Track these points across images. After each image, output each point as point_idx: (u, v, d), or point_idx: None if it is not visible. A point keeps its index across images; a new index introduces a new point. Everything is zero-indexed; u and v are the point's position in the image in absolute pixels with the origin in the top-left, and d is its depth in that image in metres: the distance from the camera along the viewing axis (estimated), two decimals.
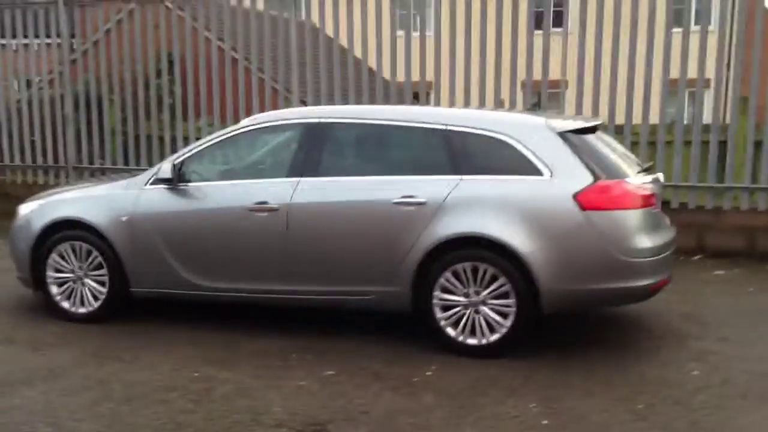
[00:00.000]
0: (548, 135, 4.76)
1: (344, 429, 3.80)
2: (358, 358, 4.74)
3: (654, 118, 7.77)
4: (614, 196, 4.58)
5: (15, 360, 4.79)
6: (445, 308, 4.78)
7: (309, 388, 4.30)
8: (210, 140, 5.36)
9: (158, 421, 3.89)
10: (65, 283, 5.52)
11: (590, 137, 4.92)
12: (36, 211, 5.62)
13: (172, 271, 5.26)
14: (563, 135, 4.77)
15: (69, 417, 3.94)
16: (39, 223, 5.52)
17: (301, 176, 5.04)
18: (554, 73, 7.88)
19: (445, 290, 4.75)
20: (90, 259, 5.42)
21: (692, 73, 7.57)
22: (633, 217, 4.60)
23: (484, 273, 4.67)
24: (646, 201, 4.70)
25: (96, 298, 5.47)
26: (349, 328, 5.26)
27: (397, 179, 4.88)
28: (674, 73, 7.55)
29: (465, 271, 4.71)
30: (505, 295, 4.65)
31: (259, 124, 5.30)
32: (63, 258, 5.49)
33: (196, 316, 5.55)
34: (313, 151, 5.08)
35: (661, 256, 4.71)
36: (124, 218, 5.33)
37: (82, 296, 5.50)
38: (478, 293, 4.70)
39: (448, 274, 4.73)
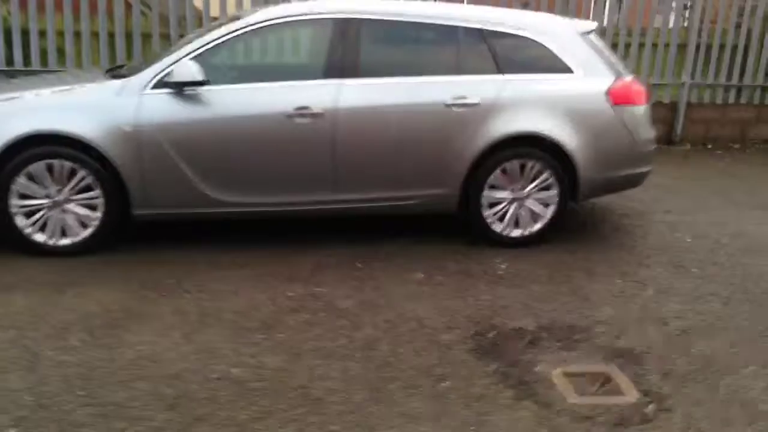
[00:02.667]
0: (574, 36, 5.11)
1: (511, 320, 3.92)
2: (430, 260, 4.75)
3: None
4: (634, 92, 5.13)
5: (83, 306, 3.92)
6: (491, 205, 4.98)
7: (426, 291, 4.27)
8: (223, 36, 4.69)
9: (344, 341, 3.62)
10: (37, 211, 4.51)
11: (595, 38, 5.36)
12: None
13: (189, 188, 4.62)
14: (585, 36, 5.14)
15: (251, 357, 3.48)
16: None
17: (342, 77, 4.72)
18: None
19: (493, 188, 4.95)
20: (75, 180, 4.49)
21: None
22: (644, 111, 5.22)
23: (531, 168, 4.94)
24: (648, 97, 5.34)
25: (84, 226, 4.57)
26: (381, 235, 5.16)
27: (446, 80, 4.85)
28: None
29: (513, 169, 4.93)
30: (547, 188, 5.00)
31: (279, 18, 4.76)
32: (34, 181, 4.46)
33: (202, 238, 4.97)
34: (350, 50, 4.77)
35: (655, 146, 5.43)
36: (127, 128, 4.48)
37: (62, 226, 4.55)
38: (522, 188, 4.97)
39: (497, 172, 4.92)
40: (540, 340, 3.74)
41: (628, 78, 5.18)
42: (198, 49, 4.63)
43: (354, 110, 4.70)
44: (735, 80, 9.23)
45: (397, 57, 4.95)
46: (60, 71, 7.22)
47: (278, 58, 4.98)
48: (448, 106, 4.79)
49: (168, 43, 7.72)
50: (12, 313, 3.77)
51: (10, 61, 7.56)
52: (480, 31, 4.96)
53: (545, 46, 5.03)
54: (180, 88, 4.52)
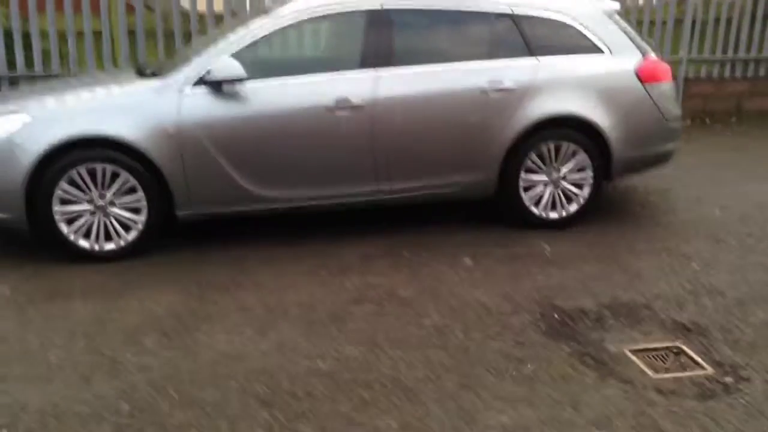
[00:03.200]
0: (600, 16, 5.16)
1: (572, 301, 3.98)
2: (474, 246, 4.79)
3: None
4: (661, 70, 5.21)
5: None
6: (528, 188, 5.03)
7: (480, 277, 4.31)
8: (259, 30, 4.65)
9: (415, 329, 3.64)
10: (79, 217, 4.46)
11: (617, 17, 5.41)
12: (22, 132, 4.35)
13: (233, 186, 4.60)
14: (610, 15, 5.19)
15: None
16: (35, 146, 4.31)
17: (377, 67, 4.73)
18: None
19: (529, 171, 4.99)
20: (118, 184, 4.44)
21: None
22: (671, 87, 5.30)
23: (566, 150, 4.99)
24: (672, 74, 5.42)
25: (128, 229, 4.53)
26: (416, 224, 5.17)
27: (480, 65, 4.88)
28: None
29: (549, 151, 4.97)
30: (582, 169, 5.05)
31: (313, 10, 4.74)
32: (76, 186, 4.41)
33: (241, 235, 4.95)
34: (383, 40, 4.78)
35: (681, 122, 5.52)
36: (169, 128, 4.44)
37: (107, 230, 4.51)
38: (558, 170, 5.02)
39: (533, 156, 4.96)
40: (604, 319, 3.80)
41: (653, 56, 5.24)
42: (235, 44, 4.59)
43: (392, 100, 4.70)
44: (730, 54, 9.36)
45: (430, 45, 4.95)
46: (78, 74, 7.11)
47: (313, 51, 4.95)
48: (484, 91, 4.82)
49: (172, 42, 7.63)
50: (78, 321, 3.74)
51: (12, 64, 7.42)
52: (510, 15, 4.98)
53: (574, 28, 5.08)
54: (220, 86, 4.48)
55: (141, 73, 5.03)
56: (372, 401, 3.01)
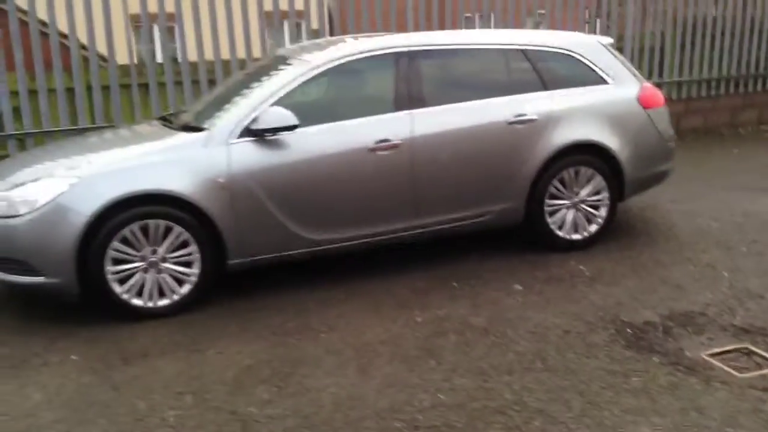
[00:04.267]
0: (601, 49, 5.54)
1: (634, 315, 4.23)
2: (514, 271, 4.98)
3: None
4: (657, 96, 5.63)
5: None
6: (552, 213, 5.30)
7: (536, 300, 4.51)
8: (296, 78, 4.74)
9: (512, 355, 3.79)
10: (132, 275, 4.38)
11: (613, 50, 5.80)
12: (70, 193, 4.25)
13: (282, 231, 4.64)
14: (608, 48, 5.58)
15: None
16: (86, 207, 4.22)
17: (411, 108, 4.91)
18: (170, 5, 7.51)
19: (552, 197, 5.27)
20: (171, 238, 4.41)
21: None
22: (666, 111, 5.71)
23: (584, 174, 5.30)
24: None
25: (181, 283, 4.49)
26: (445, 256, 5.33)
27: (503, 100, 5.14)
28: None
29: (569, 176, 5.27)
30: (598, 192, 5.37)
31: (345, 57, 4.87)
32: (128, 244, 4.34)
33: (283, 280, 4.97)
34: (413, 81, 4.96)
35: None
36: (220, 180, 4.45)
37: (159, 286, 4.45)
38: (577, 194, 5.32)
39: (556, 182, 5.24)
40: (671, 329, 4.06)
41: (647, 83, 5.65)
42: (275, 93, 4.66)
43: (427, 138, 4.88)
44: (666, 77, 10.08)
45: (454, 83, 5.18)
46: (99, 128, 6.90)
47: (348, 95, 5.05)
48: (510, 123, 5.07)
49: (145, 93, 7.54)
50: (169, 378, 3.68)
51: None
52: (522, 51, 5.27)
53: (580, 61, 5.42)
54: (264, 135, 4.53)
55: (169, 123, 5.01)
56: (515, 426, 3.12)
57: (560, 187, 5.25)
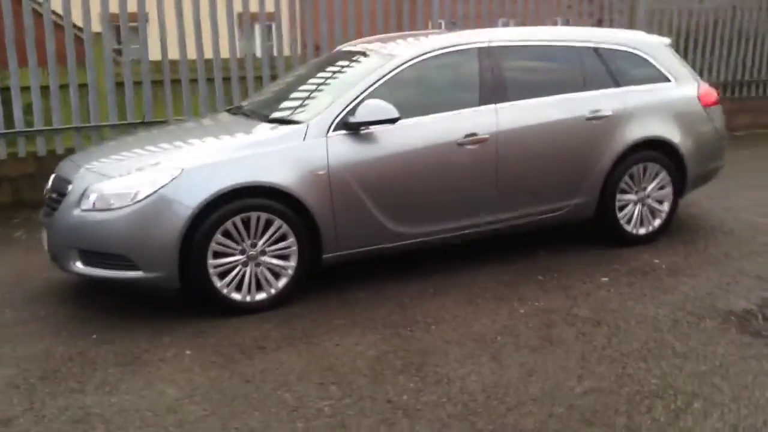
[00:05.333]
0: (663, 48, 5.69)
1: (729, 303, 4.35)
2: (594, 265, 5.06)
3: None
4: (714, 94, 5.79)
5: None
6: (621, 208, 5.40)
7: (629, 292, 4.58)
8: (387, 73, 4.73)
9: (637, 344, 3.86)
10: (232, 269, 4.32)
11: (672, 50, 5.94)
12: (173, 186, 4.17)
13: (374, 225, 4.63)
14: (669, 47, 5.73)
15: None
16: (191, 200, 4.15)
17: (494, 102, 4.95)
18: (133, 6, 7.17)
19: (623, 191, 5.37)
20: (271, 231, 4.36)
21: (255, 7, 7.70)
22: (721, 109, 5.88)
23: (651, 170, 5.42)
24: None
25: (278, 277, 4.44)
26: (513, 251, 5.38)
27: (580, 95, 5.22)
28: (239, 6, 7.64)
29: (638, 172, 5.38)
30: (663, 187, 5.50)
31: (433, 51, 4.90)
32: (230, 237, 4.28)
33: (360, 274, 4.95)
34: (496, 76, 5.00)
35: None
36: (320, 172, 4.42)
37: (258, 280, 4.39)
38: (644, 189, 5.44)
39: (626, 177, 5.35)
40: None
41: (704, 83, 5.82)
42: (368, 87, 4.65)
43: (511, 132, 4.93)
44: None
45: (532, 78, 5.23)
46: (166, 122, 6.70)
47: (435, 89, 5.04)
48: (588, 119, 5.15)
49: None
50: (302, 370, 3.63)
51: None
52: (595, 49, 5.37)
53: (646, 59, 5.55)
54: (359, 128, 4.51)
55: (237, 114, 5.02)
56: (677, 408, 3.18)
57: (629, 182, 5.35)
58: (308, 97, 4.99)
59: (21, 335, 4.18)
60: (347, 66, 5.23)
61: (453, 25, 8.75)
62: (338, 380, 3.53)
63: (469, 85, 4.97)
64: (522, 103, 5.01)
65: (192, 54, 7.47)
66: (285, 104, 5.04)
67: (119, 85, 7.20)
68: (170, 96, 7.40)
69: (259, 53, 9.10)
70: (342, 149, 4.49)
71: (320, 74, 5.35)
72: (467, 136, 4.78)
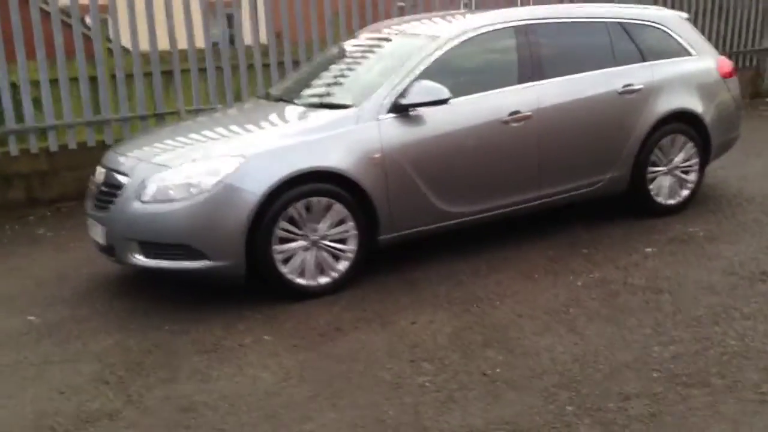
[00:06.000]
0: (684, 23, 5.84)
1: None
2: (629, 238, 5.18)
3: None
4: (731, 66, 5.97)
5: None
6: (652, 179, 5.55)
7: (676, 260, 4.73)
8: (428, 55, 4.77)
9: (703, 310, 3.99)
10: (293, 255, 4.35)
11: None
12: (239, 173, 4.18)
13: (426, 205, 4.69)
14: (689, 21, 5.89)
15: None
16: (257, 186, 4.16)
17: (533, 80, 5.04)
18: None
19: (653, 164, 5.52)
20: (332, 216, 4.40)
21: None
22: (737, 80, 6.07)
23: (679, 141, 5.58)
24: None
25: (338, 260, 4.48)
26: (553, 224, 5.49)
27: (612, 71, 5.34)
28: None
29: (667, 144, 5.54)
30: (689, 158, 5.66)
31: (473, 31, 4.96)
32: (293, 223, 4.31)
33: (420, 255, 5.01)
34: (533, 54, 5.09)
35: None
36: (376, 155, 4.47)
37: (320, 264, 4.43)
38: (671, 161, 5.59)
39: (657, 150, 5.50)
40: None
41: (720, 55, 5.99)
42: (415, 68, 4.69)
43: (551, 109, 5.03)
44: None
45: (566, 55, 5.31)
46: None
47: (477, 68, 5.09)
48: (620, 93, 5.28)
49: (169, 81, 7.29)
50: (389, 349, 3.70)
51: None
52: (622, 24, 5.49)
53: (668, 33, 5.69)
54: (409, 109, 4.56)
55: (277, 100, 5.13)
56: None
57: (659, 154, 5.49)
58: (351, 82, 5.02)
59: (86, 331, 4.16)
60: (382, 48, 5.27)
61: (466, 7, 8.76)
62: (427, 357, 3.60)
63: (509, 63, 5.05)
64: (559, 80, 5.11)
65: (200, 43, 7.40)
66: (326, 89, 5.07)
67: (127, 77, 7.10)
68: (180, 86, 7.31)
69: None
70: (393, 131, 4.54)
71: (354, 58, 5.37)
72: (511, 114, 4.86)
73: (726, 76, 5.84)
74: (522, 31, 5.08)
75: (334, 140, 4.41)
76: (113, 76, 7.12)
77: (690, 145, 5.60)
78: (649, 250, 4.94)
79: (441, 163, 4.69)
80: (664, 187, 5.57)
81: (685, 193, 5.68)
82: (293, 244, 4.30)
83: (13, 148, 6.82)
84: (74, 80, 7.01)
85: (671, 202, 5.63)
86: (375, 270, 4.70)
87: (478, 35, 4.98)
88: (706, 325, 3.78)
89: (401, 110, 4.57)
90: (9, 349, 3.96)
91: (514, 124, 4.87)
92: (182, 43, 7.33)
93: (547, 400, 3.15)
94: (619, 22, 5.50)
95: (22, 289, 4.90)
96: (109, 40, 7.49)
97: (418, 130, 4.61)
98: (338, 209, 4.38)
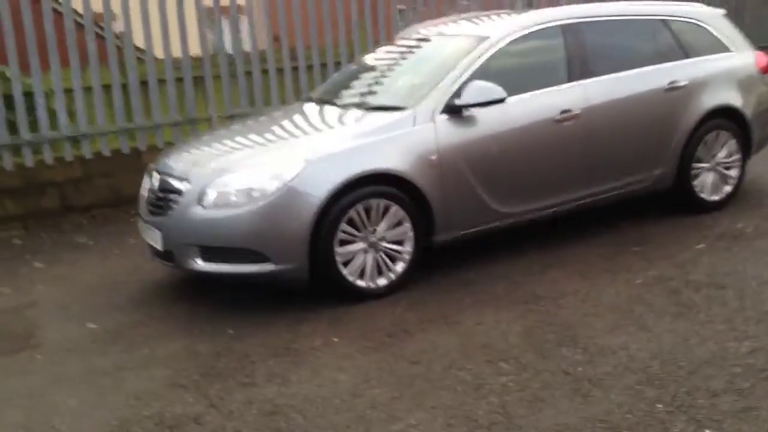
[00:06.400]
0: (722, 20, 5.86)
1: None
2: (677, 235, 5.19)
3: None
4: (766, 62, 5.99)
5: None
6: (695, 177, 5.57)
7: (731, 256, 4.75)
8: (478, 57, 4.79)
9: None
10: (354, 257, 4.36)
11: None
12: (301, 177, 4.19)
13: (480, 205, 4.71)
14: (726, 17, 5.91)
15: None
16: (321, 189, 4.17)
17: (581, 78, 5.06)
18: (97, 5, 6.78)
19: (698, 160, 5.53)
20: (389, 217, 4.40)
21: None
22: None
23: (721, 138, 5.60)
24: None
25: (395, 261, 4.49)
26: (597, 223, 5.50)
27: (657, 68, 5.37)
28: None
29: (711, 140, 5.56)
30: (731, 154, 5.68)
31: (520, 30, 4.98)
32: (353, 225, 4.31)
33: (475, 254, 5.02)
34: (580, 52, 5.11)
35: None
36: (433, 157, 4.48)
37: (378, 265, 4.44)
38: (714, 156, 5.61)
39: (701, 146, 5.51)
40: None
41: (758, 51, 6.02)
42: (467, 69, 4.71)
43: (599, 107, 5.05)
44: None
45: (612, 53, 5.33)
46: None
47: (526, 67, 5.10)
48: (666, 91, 5.30)
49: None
50: (461, 350, 3.71)
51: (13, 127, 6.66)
52: (664, 22, 5.52)
53: (708, 30, 5.71)
54: (462, 110, 4.57)
55: (323, 103, 5.16)
56: None
57: (703, 150, 5.51)
58: (399, 84, 5.04)
59: (151, 337, 4.16)
60: (425, 50, 5.29)
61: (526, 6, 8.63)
62: (503, 357, 3.60)
63: (557, 62, 5.07)
64: (606, 78, 5.13)
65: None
66: (374, 92, 5.09)
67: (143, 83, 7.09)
68: (212, 91, 7.32)
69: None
70: (448, 132, 4.56)
71: (400, 60, 5.38)
72: (563, 112, 4.88)
73: (764, 71, 5.86)
74: (568, 30, 5.10)
75: (392, 142, 4.42)
76: (143, 83, 7.11)
77: (732, 141, 5.63)
78: (700, 246, 4.95)
79: (495, 163, 4.70)
80: (707, 184, 5.59)
81: (728, 189, 5.70)
82: (353, 246, 4.31)
83: (48, 156, 6.80)
84: (105, 88, 7.00)
85: (715, 198, 5.64)
86: (428, 271, 4.70)
87: (526, 34, 5.00)
88: (748, 324, 3.78)
89: (455, 111, 4.58)
90: (78, 357, 3.96)
91: (566, 123, 4.89)
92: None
93: (635, 398, 3.15)
94: (662, 20, 5.52)
95: (74, 296, 4.91)
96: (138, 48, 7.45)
97: (471, 130, 4.62)
98: (395, 211, 4.39)
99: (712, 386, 3.20)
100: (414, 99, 4.65)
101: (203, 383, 3.56)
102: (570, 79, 5.02)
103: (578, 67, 5.05)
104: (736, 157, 5.68)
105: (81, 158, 6.96)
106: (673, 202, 5.62)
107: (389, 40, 6.00)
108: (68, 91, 6.79)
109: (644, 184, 5.35)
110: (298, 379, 3.53)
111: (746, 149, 5.74)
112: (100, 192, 7.02)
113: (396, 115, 4.57)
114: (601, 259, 4.85)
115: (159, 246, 4.48)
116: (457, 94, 4.58)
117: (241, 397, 3.40)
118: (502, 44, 4.86)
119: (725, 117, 5.57)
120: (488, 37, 4.89)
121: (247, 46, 7.78)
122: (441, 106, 4.57)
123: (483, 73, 4.72)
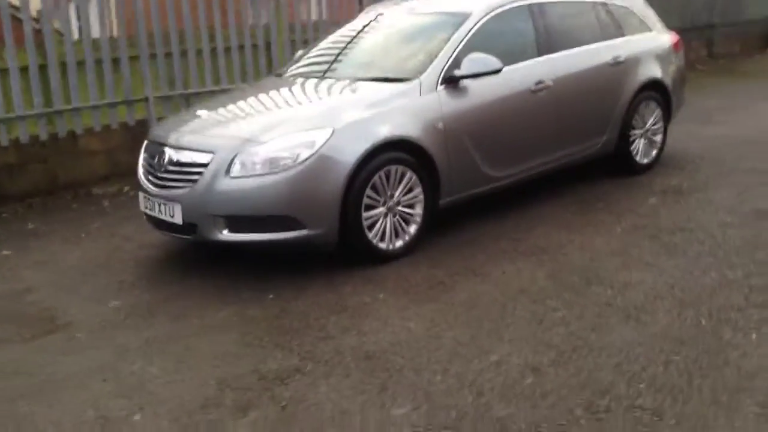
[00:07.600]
0: (644, 4, 6.66)
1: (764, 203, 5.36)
2: (628, 192, 5.86)
3: None
4: (678, 40, 6.86)
5: None
6: (632, 142, 6.31)
7: (686, 207, 5.43)
8: (468, 30, 5.18)
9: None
10: (377, 221, 4.64)
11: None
12: (333, 142, 4.39)
13: (476, 171, 5.12)
14: (645, 2, 6.72)
15: None
16: (350, 155, 4.41)
17: (548, 53, 5.60)
18: None
19: (633, 127, 6.28)
20: (405, 183, 4.72)
21: None
22: (683, 52, 6.97)
23: (651, 107, 6.38)
24: None
25: (408, 224, 4.82)
26: (549, 186, 6.06)
27: (603, 45, 6.02)
28: None
29: (643, 109, 6.32)
30: (657, 121, 6.49)
31: (498, 7, 5.42)
32: (376, 191, 4.59)
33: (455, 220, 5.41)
34: (546, 29, 5.65)
35: None
36: (439, 125, 4.84)
37: (395, 228, 4.75)
38: (645, 124, 6.39)
39: (636, 115, 6.26)
40: None
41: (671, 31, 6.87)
42: (460, 43, 5.09)
43: (565, 78, 5.60)
44: None
45: (567, 31, 5.89)
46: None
47: (502, 42, 5.48)
48: (611, 65, 5.97)
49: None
50: (503, 297, 4.06)
51: None
52: (604, 5, 6.19)
53: (634, 13, 6.46)
54: (459, 81, 4.95)
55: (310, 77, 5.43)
56: None
57: (638, 118, 6.25)
58: (390, 57, 5.33)
59: (190, 308, 4.21)
60: (408, 26, 5.62)
61: None
62: (545, 297, 4.02)
63: (528, 37, 5.56)
64: (567, 53, 5.70)
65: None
66: (371, 64, 5.34)
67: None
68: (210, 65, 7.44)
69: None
70: (448, 102, 4.91)
71: (381, 36, 5.68)
72: (537, 83, 5.37)
73: (677, 50, 6.70)
74: (535, 9, 5.61)
75: (403, 111, 4.71)
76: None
77: (658, 109, 6.40)
78: (652, 200, 5.63)
79: (486, 131, 5.11)
80: (640, 148, 6.33)
81: (654, 152, 6.48)
82: (375, 211, 4.56)
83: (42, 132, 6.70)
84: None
85: (646, 161, 6.40)
86: (427, 235, 5.01)
87: (501, 12, 5.44)
88: (747, 252, 4.46)
89: (452, 81, 4.93)
90: (122, 332, 3.94)
91: (540, 93, 5.39)
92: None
93: (680, 317, 3.67)
94: (603, 2, 6.18)
95: (71, 279, 4.82)
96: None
97: (467, 100, 5.00)
98: (409, 176, 4.68)
99: (735, 303, 3.78)
100: (415, 71, 4.95)
101: (281, 341, 3.69)
102: (540, 53, 5.52)
103: (545, 43, 5.57)
104: (661, 124, 6.46)
105: (16, 142, 6.63)
106: (614, 165, 6.29)
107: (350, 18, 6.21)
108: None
109: (596, 149, 5.99)
110: (372, 329, 3.75)
111: (667, 117, 6.53)
112: (35, 178, 6.74)
113: (403, 85, 4.85)
114: (576, 215, 5.39)
115: (176, 219, 4.49)
116: (456, 65, 4.92)
117: (327, 348, 3.58)
118: (483, 20, 5.27)
119: (653, 89, 6.32)
120: (471, 14, 5.27)
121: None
122: (441, 77, 4.89)
123: (471, 47, 5.10)
